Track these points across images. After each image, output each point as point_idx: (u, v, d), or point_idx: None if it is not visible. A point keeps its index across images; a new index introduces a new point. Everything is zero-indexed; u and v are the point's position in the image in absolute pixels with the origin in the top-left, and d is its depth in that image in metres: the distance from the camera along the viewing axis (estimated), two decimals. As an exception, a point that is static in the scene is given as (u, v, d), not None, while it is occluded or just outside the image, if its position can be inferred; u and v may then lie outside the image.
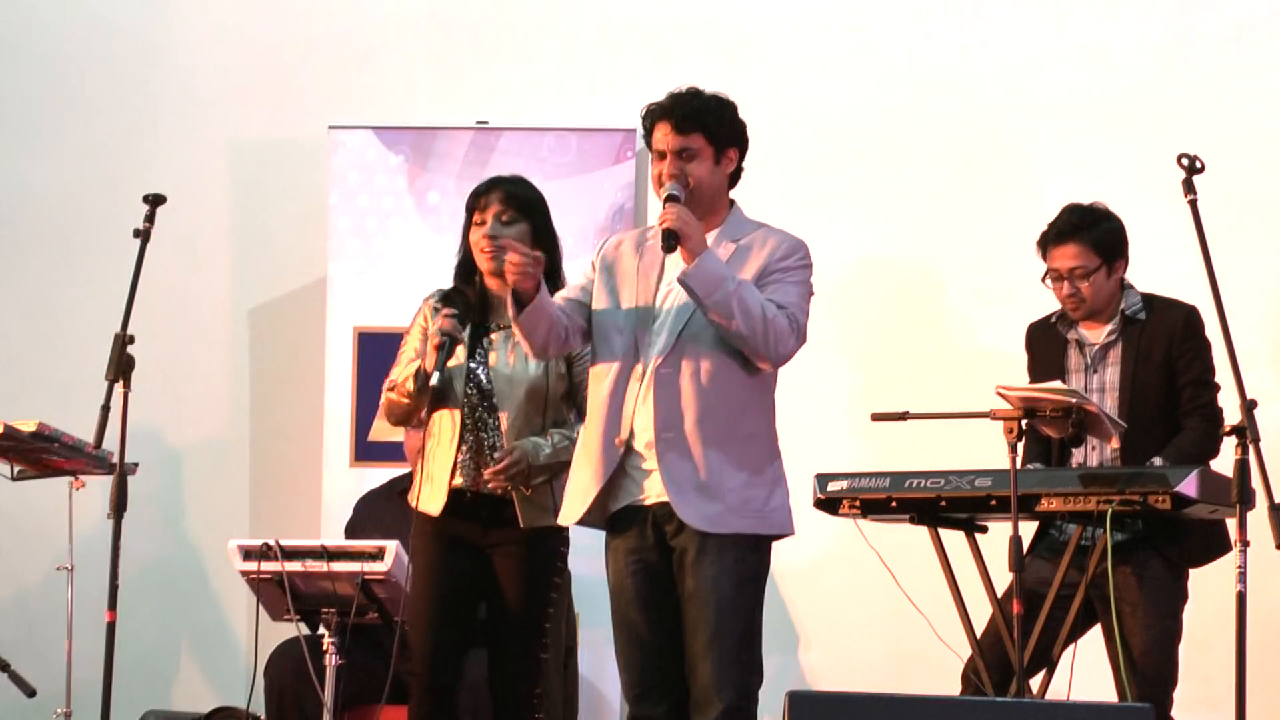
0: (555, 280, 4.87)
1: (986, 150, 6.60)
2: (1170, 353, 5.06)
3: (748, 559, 4.44)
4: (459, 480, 4.87)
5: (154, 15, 7.09)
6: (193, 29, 7.07)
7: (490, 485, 4.85)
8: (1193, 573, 5.09)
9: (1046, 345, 5.22)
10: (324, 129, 6.74)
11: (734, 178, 4.59)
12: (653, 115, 4.53)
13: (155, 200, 5.12)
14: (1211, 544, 5.03)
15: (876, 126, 6.68)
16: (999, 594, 5.02)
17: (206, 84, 7.05)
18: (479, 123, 6.74)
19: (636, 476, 4.46)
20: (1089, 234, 5.06)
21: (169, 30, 7.08)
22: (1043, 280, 5.14)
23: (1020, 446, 4.81)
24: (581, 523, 4.53)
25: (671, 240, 4.36)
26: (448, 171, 6.59)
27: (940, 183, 6.61)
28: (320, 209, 6.75)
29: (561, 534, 4.94)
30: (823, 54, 6.73)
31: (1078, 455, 5.11)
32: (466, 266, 4.97)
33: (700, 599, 4.39)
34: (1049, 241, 5.11)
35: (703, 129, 4.49)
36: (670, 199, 4.43)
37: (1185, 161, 4.80)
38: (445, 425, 4.91)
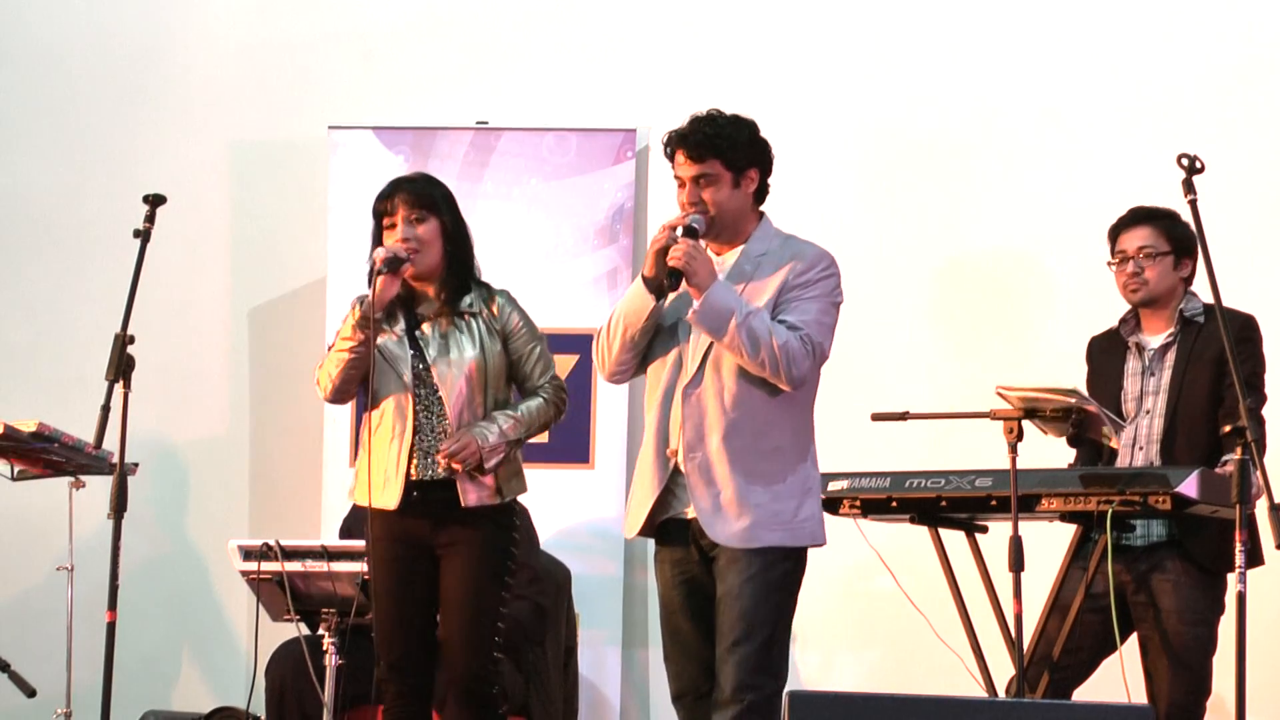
0: (469, 273, 4.91)
1: (986, 150, 6.60)
2: (1223, 352, 4.97)
3: (776, 567, 4.47)
4: (415, 473, 4.82)
5: (154, 15, 7.09)
6: (192, 29, 7.07)
7: (440, 468, 4.80)
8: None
9: (1107, 356, 5.22)
10: (324, 129, 6.74)
11: (760, 194, 4.60)
12: (671, 143, 4.57)
13: (155, 200, 5.11)
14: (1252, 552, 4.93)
15: (877, 124, 6.67)
16: (1054, 589, 4.97)
17: (206, 84, 7.05)
18: (479, 123, 6.73)
19: (679, 491, 4.53)
20: (1162, 222, 5.12)
21: (169, 30, 7.08)
22: (1108, 264, 5.15)
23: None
24: (639, 534, 4.61)
25: (675, 280, 4.41)
26: (448, 172, 6.56)
27: (941, 183, 6.61)
28: (320, 209, 6.75)
29: (512, 511, 4.90)
30: (824, 52, 6.72)
31: (1123, 457, 5.07)
32: (392, 266, 4.87)
33: (726, 604, 4.45)
34: (1121, 226, 5.16)
35: (717, 154, 4.51)
36: (689, 232, 4.46)
37: (1185, 161, 4.78)
38: (391, 415, 4.86)
